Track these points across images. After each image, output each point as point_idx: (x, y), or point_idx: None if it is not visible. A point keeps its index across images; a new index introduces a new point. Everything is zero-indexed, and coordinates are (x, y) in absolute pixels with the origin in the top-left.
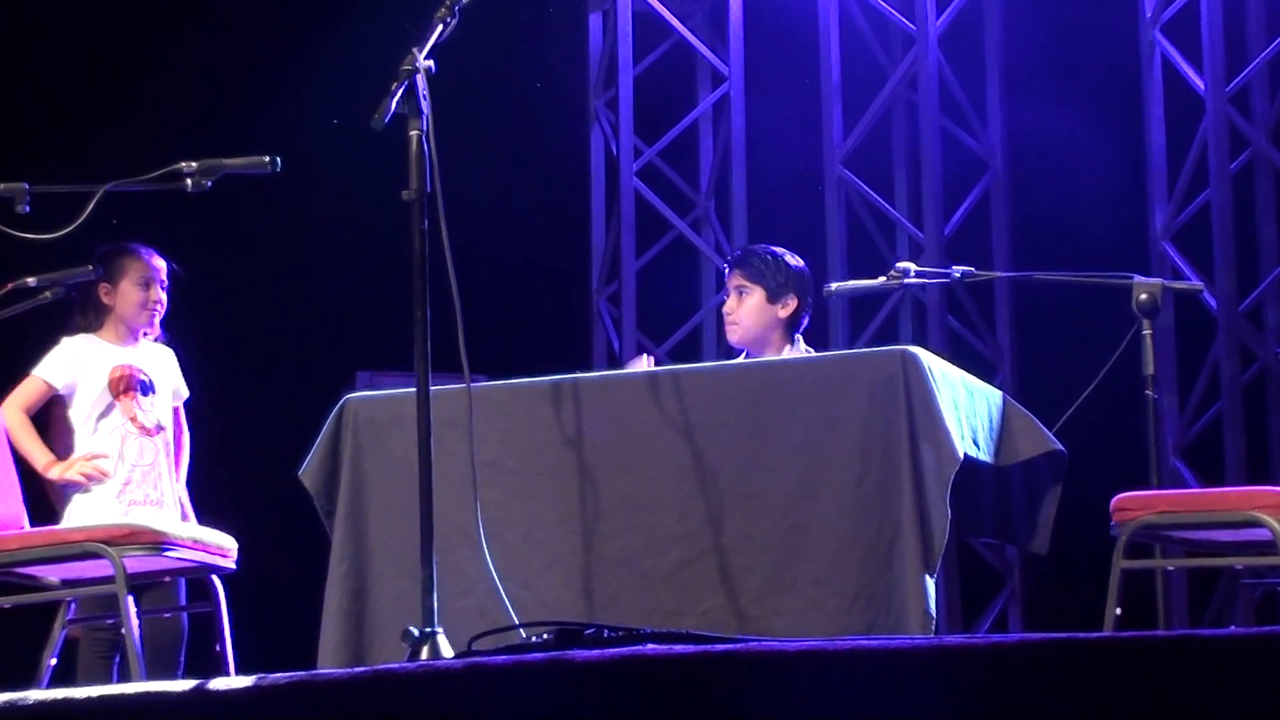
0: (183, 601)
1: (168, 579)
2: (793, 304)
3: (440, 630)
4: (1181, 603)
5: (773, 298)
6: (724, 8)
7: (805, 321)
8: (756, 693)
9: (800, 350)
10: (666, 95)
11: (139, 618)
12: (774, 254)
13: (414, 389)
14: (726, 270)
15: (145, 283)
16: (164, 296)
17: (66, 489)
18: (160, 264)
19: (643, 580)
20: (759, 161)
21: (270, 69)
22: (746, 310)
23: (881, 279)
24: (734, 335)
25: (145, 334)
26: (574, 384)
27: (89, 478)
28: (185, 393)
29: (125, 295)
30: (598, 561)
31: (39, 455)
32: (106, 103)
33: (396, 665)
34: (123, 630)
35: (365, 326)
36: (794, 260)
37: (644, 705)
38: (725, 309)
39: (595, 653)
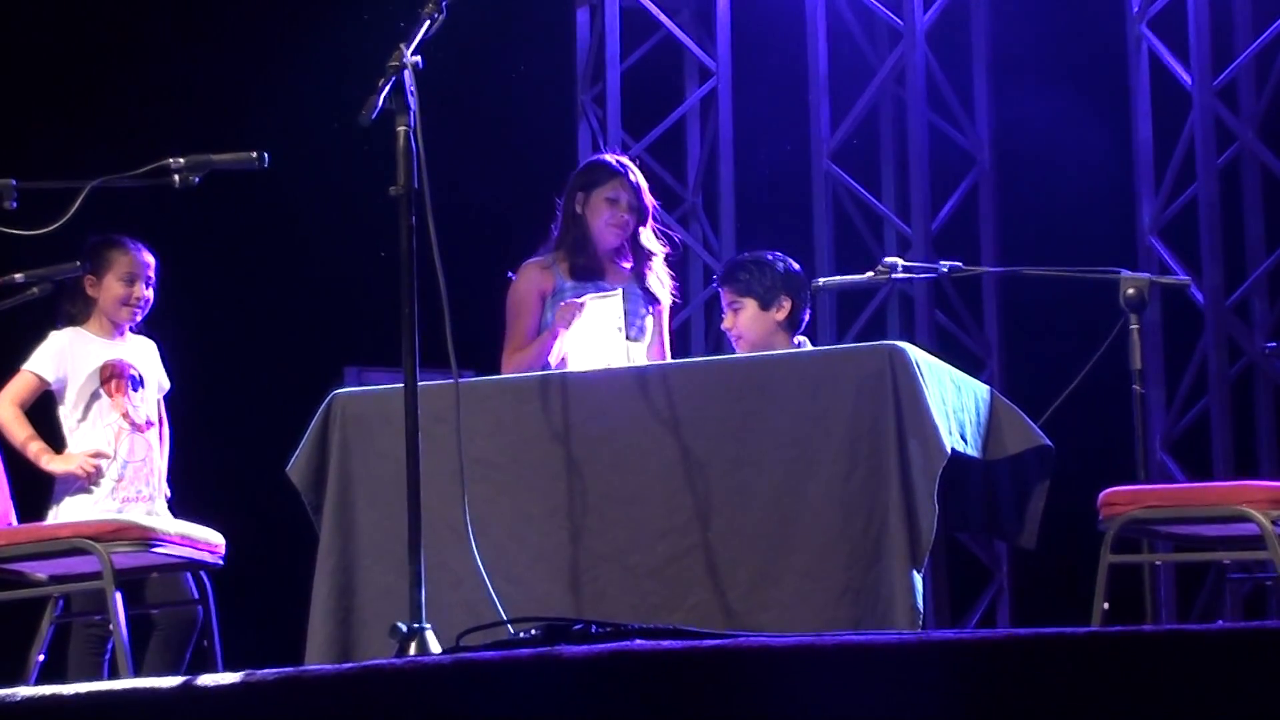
0: (194, 594)
1: (155, 574)
2: (787, 304)
3: (428, 626)
4: (1169, 597)
5: (765, 304)
6: (711, 3)
7: (805, 319)
8: (744, 688)
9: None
10: (654, 90)
11: (128, 613)
12: (758, 261)
13: (401, 384)
14: (720, 290)
15: (130, 278)
16: (149, 294)
17: (59, 486)
18: (149, 260)
19: (630, 575)
20: (746, 156)
21: (258, 65)
22: (744, 323)
23: (869, 274)
24: (740, 349)
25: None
26: (561, 379)
27: (88, 475)
28: (166, 384)
29: (109, 289)
30: (585, 557)
31: (35, 448)
32: (94, 98)
33: (384, 661)
34: (111, 626)
35: (353, 322)
36: (780, 262)
37: (632, 701)
38: (725, 327)
39: (583, 648)
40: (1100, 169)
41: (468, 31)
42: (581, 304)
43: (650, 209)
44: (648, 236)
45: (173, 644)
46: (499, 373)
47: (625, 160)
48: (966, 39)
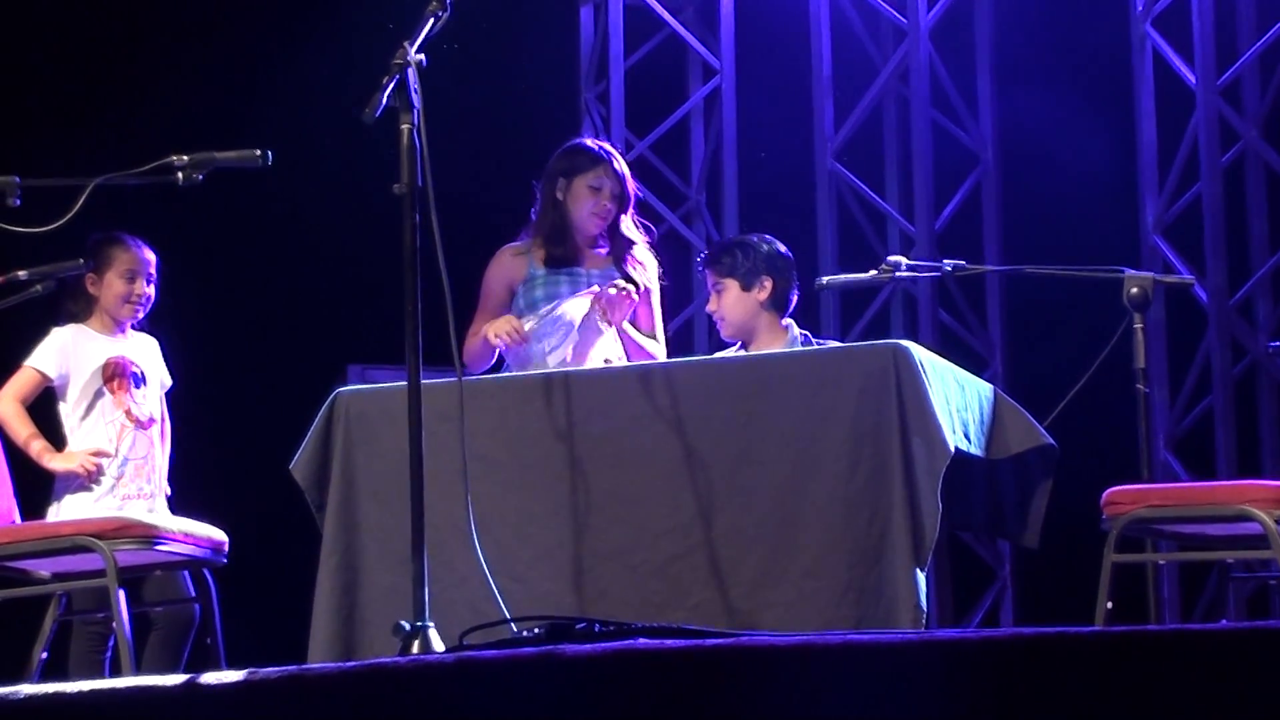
0: (191, 592)
1: (158, 572)
2: (769, 284)
3: (431, 624)
4: (1173, 597)
5: (746, 286)
6: (715, 1)
7: (792, 300)
8: (747, 687)
9: (795, 334)
10: (658, 88)
11: (129, 611)
12: (740, 242)
13: (405, 382)
14: (702, 273)
15: (131, 275)
16: (150, 291)
17: (60, 483)
18: (150, 257)
19: (633, 574)
20: (750, 155)
21: (262, 62)
22: (727, 305)
23: (872, 272)
24: (725, 332)
25: (130, 325)
26: (565, 378)
27: (89, 473)
28: (168, 381)
29: (110, 286)
30: (588, 555)
31: (36, 446)
32: (98, 96)
33: (387, 659)
34: (114, 624)
35: (356, 320)
36: (765, 243)
37: (635, 699)
38: (709, 309)
39: (586, 647)
40: (1104, 168)
41: (471, 29)
42: (526, 335)
43: (632, 197)
44: (628, 224)
45: (171, 643)
46: (458, 372)
47: (607, 146)
48: (970, 38)
